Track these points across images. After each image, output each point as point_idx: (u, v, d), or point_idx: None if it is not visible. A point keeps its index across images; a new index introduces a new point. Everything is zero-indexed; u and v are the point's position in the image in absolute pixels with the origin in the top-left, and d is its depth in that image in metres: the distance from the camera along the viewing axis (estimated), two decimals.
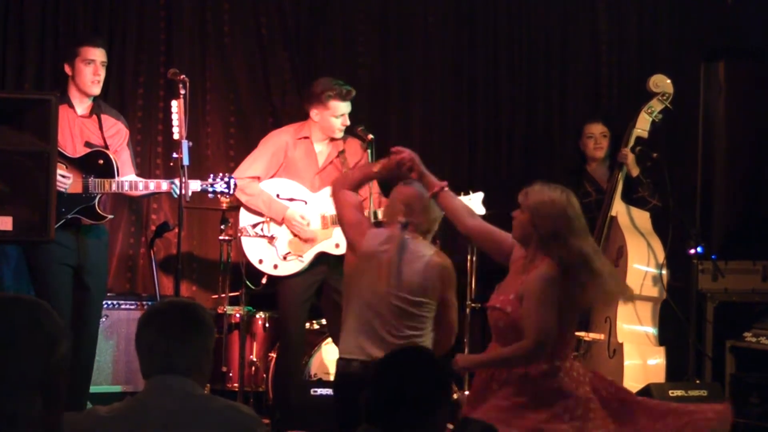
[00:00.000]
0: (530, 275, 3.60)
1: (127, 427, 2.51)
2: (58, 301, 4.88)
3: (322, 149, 5.41)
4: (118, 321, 5.61)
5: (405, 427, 2.55)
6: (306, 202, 5.35)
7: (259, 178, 5.35)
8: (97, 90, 5.05)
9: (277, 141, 5.40)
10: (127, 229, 6.13)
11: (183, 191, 4.90)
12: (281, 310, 5.45)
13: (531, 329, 3.51)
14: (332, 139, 5.40)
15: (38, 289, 4.94)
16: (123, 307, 5.64)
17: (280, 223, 5.32)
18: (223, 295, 5.74)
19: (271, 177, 5.38)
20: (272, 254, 5.34)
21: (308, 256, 5.33)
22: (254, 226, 5.35)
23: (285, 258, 5.33)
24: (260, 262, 5.34)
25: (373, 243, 3.90)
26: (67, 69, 5.03)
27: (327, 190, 5.30)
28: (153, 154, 6.19)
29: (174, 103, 5.01)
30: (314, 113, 5.32)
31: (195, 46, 6.31)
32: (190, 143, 4.98)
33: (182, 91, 4.95)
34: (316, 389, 4.60)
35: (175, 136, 5.01)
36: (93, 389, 5.20)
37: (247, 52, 6.41)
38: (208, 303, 5.89)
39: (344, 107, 5.28)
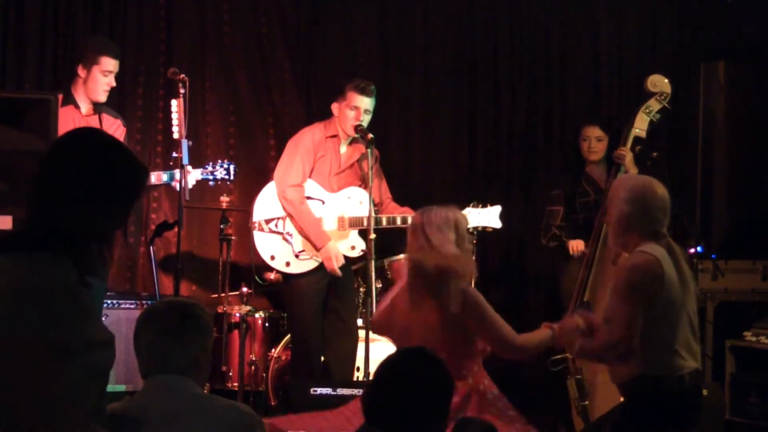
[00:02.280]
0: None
1: (127, 426, 2.51)
2: None
3: (345, 150, 5.43)
4: (118, 320, 5.59)
5: (406, 429, 2.55)
6: (323, 202, 5.35)
7: (300, 184, 5.34)
8: (104, 98, 5.07)
9: (310, 140, 5.38)
10: (127, 229, 6.13)
11: (182, 191, 4.90)
12: (295, 310, 5.44)
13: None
14: (353, 142, 5.41)
15: None
16: (123, 306, 5.63)
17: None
18: (223, 295, 5.74)
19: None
20: (286, 251, 5.34)
21: None
22: (268, 221, 5.36)
23: (298, 256, 5.33)
24: (272, 258, 5.34)
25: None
26: (81, 71, 5.02)
27: (345, 192, 5.33)
28: (153, 153, 6.19)
29: (174, 103, 5.02)
30: (335, 107, 5.38)
31: (195, 46, 6.31)
32: (190, 142, 4.99)
33: (182, 91, 4.96)
34: (316, 389, 4.59)
35: (175, 136, 5.02)
36: None
37: (247, 52, 6.41)
38: (207, 303, 5.89)
39: (359, 100, 5.30)
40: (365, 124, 5.30)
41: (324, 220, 5.36)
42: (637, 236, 3.70)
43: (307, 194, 5.34)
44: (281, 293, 5.78)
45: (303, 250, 5.33)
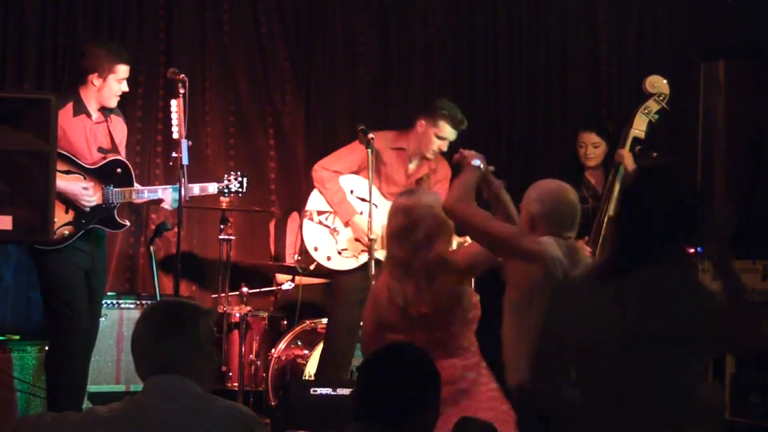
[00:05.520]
0: None
1: (126, 427, 2.51)
2: (79, 302, 4.84)
3: (414, 164, 5.46)
4: (118, 321, 5.60)
5: (392, 426, 2.55)
6: (377, 206, 5.32)
7: (338, 173, 5.38)
8: (115, 103, 5.07)
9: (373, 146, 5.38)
10: (127, 229, 6.12)
11: (182, 191, 4.90)
12: (332, 308, 5.50)
13: None
14: (424, 158, 5.43)
15: (57, 293, 4.83)
16: (123, 306, 5.63)
17: (345, 224, 5.34)
18: (223, 295, 5.74)
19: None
20: (330, 245, 5.35)
21: (364, 256, 5.32)
22: (320, 213, 5.37)
23: (340, 253, 5.35)
24: (315, 249, 5.35)
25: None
26: (96, 80, 4.95)
27: None
28: (153, 153, 6.19)
29: (173, 103, 5.02)
30: (420, 123, 5.37)
31: (195, 46, 6.31)
32: (190, 143, 4.98)
33: (182, 91, 4.96)
34: (316, 389, 4.59)
35: (175, 136, 5.01)
36: (93, 389, 5.20)
37: (247, 52, 6.41)
38: (207, 303, 5.89)
39: (450, 133, 5.32)
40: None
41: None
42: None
43: (362, 195, 5.29)
44: (287, 296, 5.88)
45: (346, 249, 5.35)
